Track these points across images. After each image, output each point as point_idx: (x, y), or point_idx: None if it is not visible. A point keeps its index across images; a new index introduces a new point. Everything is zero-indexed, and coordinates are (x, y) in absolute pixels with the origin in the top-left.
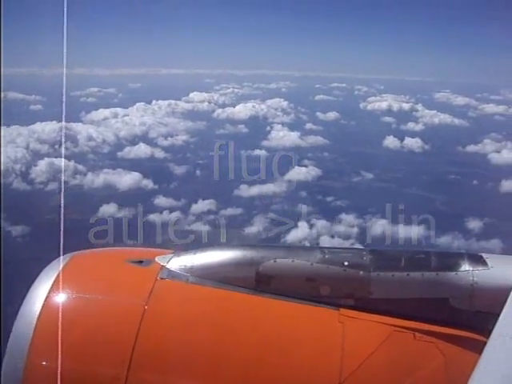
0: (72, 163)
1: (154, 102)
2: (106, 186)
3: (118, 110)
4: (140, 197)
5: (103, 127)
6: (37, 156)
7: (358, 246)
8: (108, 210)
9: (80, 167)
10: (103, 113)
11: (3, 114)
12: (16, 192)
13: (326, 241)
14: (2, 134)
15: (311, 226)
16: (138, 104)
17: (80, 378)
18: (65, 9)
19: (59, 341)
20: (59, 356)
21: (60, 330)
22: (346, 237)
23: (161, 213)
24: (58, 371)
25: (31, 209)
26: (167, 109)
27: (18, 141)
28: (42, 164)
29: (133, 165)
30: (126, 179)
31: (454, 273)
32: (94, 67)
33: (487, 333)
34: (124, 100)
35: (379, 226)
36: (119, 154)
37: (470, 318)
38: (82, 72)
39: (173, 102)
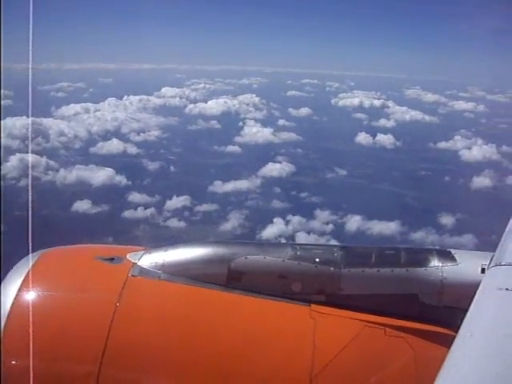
0: (44, 159)
1: (125, 97)
2: (79, 182)
3: (90, 105)
4: (114, 193)
5: (74, 122)
6: (8, 152)
7: (333, 242)
8: (82, 206)
9: (52, 163)
10: (74, 108)
11: None
12: None
13: (302, 237)
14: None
15: (287, 223)
16: (109, 99)
17: (52, 375)
18: (31, 2)
19: (30, 339)
20: (30, 354)
21: (31, 328)
22: (321, 233)
23: (135, 209)
24: (30, 369)
25: (4, 205)
26: (139, 104)
27: None
28: (14, 160)
29: (105, 160)
30: (99, 175)
31: (423, 269)
32: (63, 61)
33: (456, 328)
34: (95, 95)
35: (354, 223)
36: (91, 149)
37: (439, 314)
38: (51, 66)
39: (144, 97)
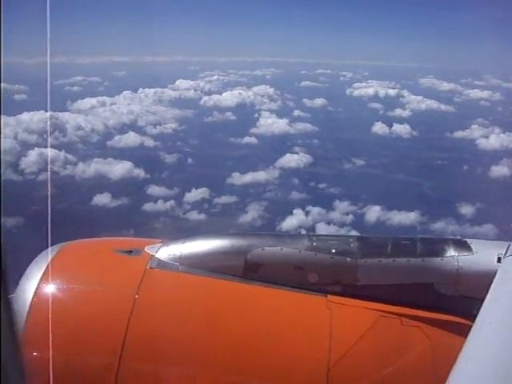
0: (62, 153)
1: (140, 89)
2: (98, 175)
3: (105, 98)
4: (133, 186)
5: (91, 116)
6: (26, 146)
7: (353, 233)
8: (101, 199)
9: (70, 157)
10: (90, 101)
11: None
12: (7, 183)
13: (322, 228)
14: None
15: (306, 214)
16: (124, 92)
17: (72, 368)
18: None
19: (50, 332)
20: (50, 347)
21: (50, 320)
22: (341, 224)
23: (155, 202)
24: (50, 362)
25: (24, 199)
26: (154, 97)
27: (6, 131)
28: (32, 154)
29: (123, 154)
30: (118, 168)
31: (439, 258)
32: (75, 55)
33: (472, 317)
34: (110, 88)
35: (373, 213)
36: (109, 143)
37: (454, 303)
38: (63, 60)
39: (159, 89)
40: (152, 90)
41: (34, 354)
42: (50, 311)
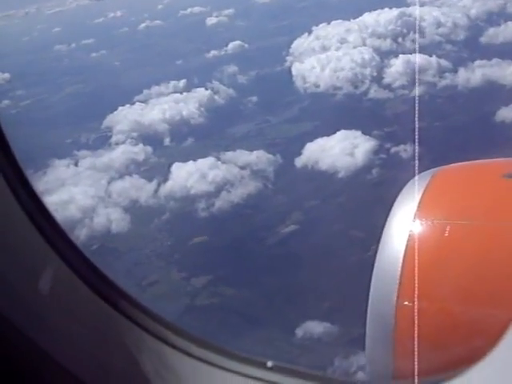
0: (434, 59)
1: None
2: (487, 82)
3: None
4: None
5: (446, 8)
6: (383, 55)
7: None
8: (504, 114)
9: (443, 62)
10: None
11: None
12: (374, 102)
13: None
14: None
15: None
16: None
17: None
18: None
19: (424, 275)
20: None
21: (428, 266)
22: None
23: None
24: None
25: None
26: None
27: (350, 38)
28: (397, 63)
29: (506, 51)
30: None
31: None
32: None
33: None
34: None
35: None
36: (482, 39)
37: None
38: None
39: None
40: None
41: (411, 304)
42: (427, 254)
